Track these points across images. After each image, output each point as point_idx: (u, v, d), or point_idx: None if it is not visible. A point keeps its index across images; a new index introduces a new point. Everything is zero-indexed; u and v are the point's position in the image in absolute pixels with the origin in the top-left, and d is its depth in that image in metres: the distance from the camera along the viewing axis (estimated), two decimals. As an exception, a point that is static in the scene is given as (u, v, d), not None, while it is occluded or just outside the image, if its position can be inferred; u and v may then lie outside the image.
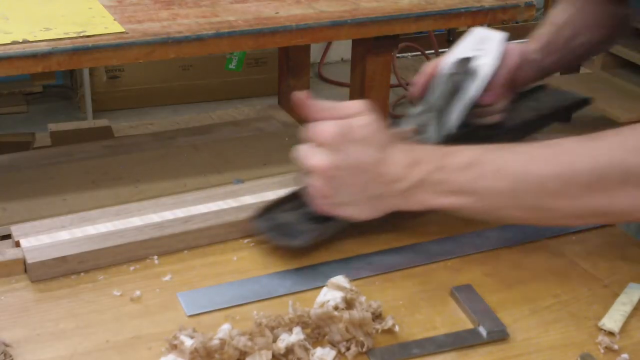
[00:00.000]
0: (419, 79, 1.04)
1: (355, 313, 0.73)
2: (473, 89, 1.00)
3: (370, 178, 0.82)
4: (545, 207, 0.82)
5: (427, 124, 0.99)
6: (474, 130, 1.03)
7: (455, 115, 0.99)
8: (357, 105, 0.84)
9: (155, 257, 0.88)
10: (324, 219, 0.87)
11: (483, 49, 1.03)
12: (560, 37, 1.12)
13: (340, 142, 0.81)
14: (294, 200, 0.91)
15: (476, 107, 1.02)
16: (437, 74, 1.02)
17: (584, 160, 0.80)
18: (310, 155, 0.83)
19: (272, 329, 0.72)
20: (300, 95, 0.84)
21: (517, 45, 1.07)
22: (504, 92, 1.05)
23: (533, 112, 1.12)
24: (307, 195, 0.86)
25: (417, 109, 1.01)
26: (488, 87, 1.02)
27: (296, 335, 0.72)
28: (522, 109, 1.11)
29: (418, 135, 0.98)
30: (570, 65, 1.17)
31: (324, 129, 0.82)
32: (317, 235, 0.88)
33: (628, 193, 0.78)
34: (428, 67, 1.04)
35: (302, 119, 0.85)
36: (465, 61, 1.02)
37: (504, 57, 1.04)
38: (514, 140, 0.91)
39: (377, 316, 0.76)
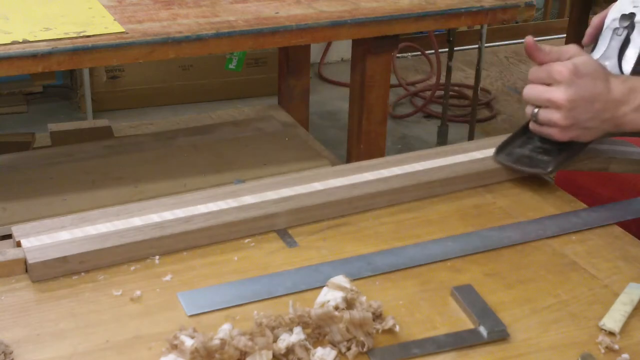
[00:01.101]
0: (589, 30, 1.17)
1: (356, 313, 0.73)
2: None
3: (602, 105, 0.97)
4: None
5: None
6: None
7: (629, 64, 1.09)
8: (574, 48, 1.00)
9: (156, 257, 0.88)
10: (555, 149, 1.02)
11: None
12: None
13: (574, 79, 0.96)
14: (523, 136, 1.06)
15: None
16: (605, 27, 1.14)
17: None
18: (550, 91, 0.97)
19: (272, 329, 0.72)
20: (531, 40, 0.99)
21: None
22: None
23: None
24: (540, 128, 1.00)
25: (599, 61, 1.09)
26: None
27: (297, 335, 0.72)
28: None
29: None
30: None
31: (558, 69, 0.97)
32: (562, 160, 1.02)
33: None
34: (596, 19, 1.17)
35: (531, 60, 1.00)
36: (629, 17, 1.11)
37: None
38: None
39: (378, 316, 0.76)
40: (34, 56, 1.45)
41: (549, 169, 1.01)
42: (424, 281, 0.86)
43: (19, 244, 0.86)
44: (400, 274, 0.87)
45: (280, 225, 0.94)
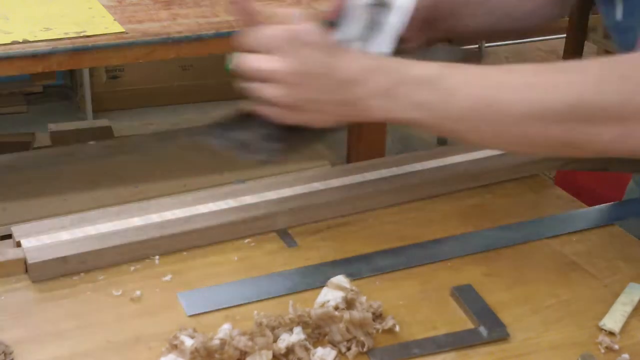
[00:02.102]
0: (333, 3, 0.93)
1: (356, 313, 0.73)
2: (396, 20, 0.91)
3: (329, 82, 0.78)
4: (505, 133, 0.77)
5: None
6: None
7: (382, 47, 0.91)
8: (296, 13, 0.82)
9: (156, 257, 0.88)
10: (284, 133, 0.83)
11: None
12: None
13: (290, 47, 0.77)
14: (246, 119, 0.85)
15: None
16: (350, 4, 0.92)
17: (556, 92, 0.74)
18: (261, 61, 0.78)
19: (272, 329, 0.72)
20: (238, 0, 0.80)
21: None
22: (419, 34, 0.96)
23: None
24: (263, 109, 0.81)
25: (334, 36, 0.89)
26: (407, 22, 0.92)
27: (297, 335, 0.72)
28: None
29: None
30: (511, 28, 1.03)
31: (273, 33, 0.78)
32: (282, 149, 0.83)
33: (599, 129, 0.74)
34: None
35: (241, 24, 0.80)
36: None
37: None
38: None
39: (378, 316, 0.76)
40: (34, 56, 1.45)
41: (272, 157, 0.84)
42: (424, 281, 0.86)
43: (18, 244, 0.86)
44: (401, 274, 0.87)
45: (280, 225, 0.94)
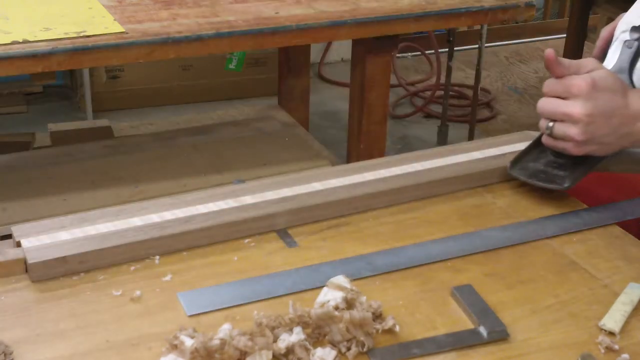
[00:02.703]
0: (599, 43, 1.17)
1: (356, 313, 0.73)
2: None
3: (620, 120, 0.96)
4: None
5: None
6: None
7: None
8: (592, 62, 0.98)
9: (156, 257, 0.88)
10: (570, 164, 1.01)
11: None
12: None
13: (591, 93, 0.94)
14: (536, 149, 1.04)
15: None
16: (614, 39, 1.12)
17: None
18: (568, 105, 0.95)
19: (272, 329, 0.72)
20: (552, 53, 0.96)
21: None
22: None
23: None
24: (555, 142, 0.98)
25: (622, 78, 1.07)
26: None
27: (296, 335, 0.72)
28: None
29: None
30: None
31: (577, 82, 0.95)
32: (578, 176, 1.00)
33: None
34: (605, 31, 1.16)
35: (550, 74, 0.98)
36: (638, 28, 1.09)
37: None
38: None
39: (378, 316, 0.76)
40: (34, 56, 1.45)
41: (566, 185, 1.00)
42: (424, 281, 0.86)
43: (18, 244, 0.86)
44: (400, 274, 0.87)
45: (280, 225, 0.94)
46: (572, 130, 0.95)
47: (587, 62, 0.98)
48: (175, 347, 0.71)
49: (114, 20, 1.61)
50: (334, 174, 1.03)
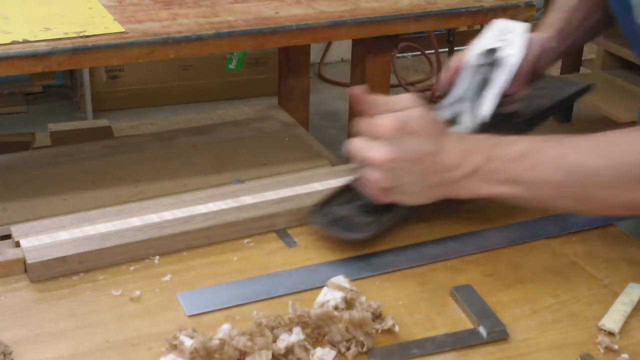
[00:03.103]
0: (445, 73, 1.07)
1: (355, 313, 0.73)
2: (502, 79, 1.02)
3: (428, 167, 0.85)
4: (595, 198, 0.84)
5: (460, 113, 1.01)
6: (494, 119, 1.03)
7: (487, 104, 1.01)
8: (408, 98, 0.87)
9: (156, 257, 0.88)
10: (380, 210, 0.90)
11: (506, 39, 1.05)
12: (574, 20, 1.13)
13: (398, 135, 0.84)
14: (347, 193, 0.94)
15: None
16: (464, 66, 1.04)
17: (633, 153, 0.82)
18: (369, 148, 0.85)
19: (272, 329, 0.72)
20: (357, 91, 0.87)
21: (536, 35, 1.09)
22: (525, 82, 1.07)
23: (545, 100, 1.14)
24: (362, 187, 0.88)
25: (448, 100, 1.03)
26: (513, 77, 1.04)
27: (296, 336, 0.72)
28: (534, 98, 1.13)
29: (453, 125, 1.00)
30: (581, 45, 1.18)
31: (382, 122, 0.84)
32: (378, 227, 0.91)
33: None
34: (453, 62, 1.06)
35: (357, 113, 0.88)
36: (491, 52, 1.04)
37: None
38: (527, 129, 1.02)
39: (377, 316, 0.76)
40: (34, 56, 1.45)
41: (362, 234, 0.90)
42: (423, 281, 0.86)
43: (18, 244, 0.86)
44: (400, 274, 0.87)
45: (280, 226, 0.94)
46: (374, 175, 0.85)
47: (403, 98, 0.87)
48: (175, 347, 0.71)
49: (114, 20, 1.61)
50: (334, 174, 1.03)
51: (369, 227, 0.90)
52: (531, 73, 1.07)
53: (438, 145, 0.85)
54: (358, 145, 0.86)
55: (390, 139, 0.84)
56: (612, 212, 0.90)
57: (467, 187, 0.85)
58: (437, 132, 0.86)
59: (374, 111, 0.86)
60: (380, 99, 0.87)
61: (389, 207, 0.90)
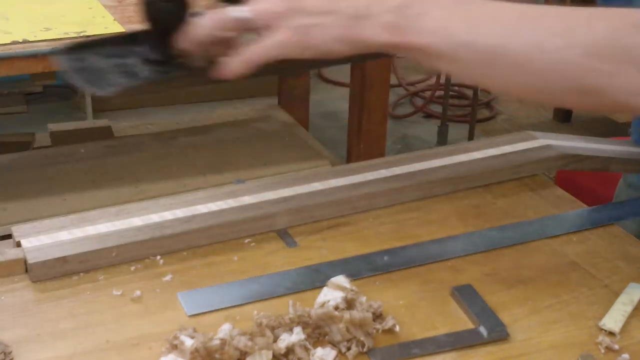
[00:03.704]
0: None
1: (356, 313, 0.73)
2: None
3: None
4: (534, 72, 0.70)
5: None
6: None
7: None
8: None
9: (156, 257, 0.88)
10: (154, 74, 0.78)
11: None
12: None
13: None
14: (118, 47, 0.80)
15: None
16: None
17: (582, 30, 0.69)
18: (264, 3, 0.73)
19: (272, 328, 0.72)
20: None
21: None
22: None
23: None
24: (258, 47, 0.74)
25: None
26: None
27: (297, 336, 0.72)
28: None
29: None
30: None
31: None
32: (128, 86, 0.77)
33: (628, 72, 0.68)
34: None
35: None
36: None
37: None
38: None
39: (378, 316, 0.76)
40: (34, 56, 1.45)
41: (108, 93, 0.75)
42: (424, 281, 0.86)
43: (18, 244, 0.86)
44: (400, 274, 0.87)
45: (280, 225, 0.94)
46: (278, 5, 0.71)
47: None
48: (175, 347, 0.71)
49: (114, 20, 1.61)
50: (334, 174, 1.03)
51: (116, 86, 0.76)
52: None
53: None
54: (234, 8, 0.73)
55: None
56: (553, 97, 0.76)
57: (389, 27, 0.71)
58: None
59: None
60: None
61: (172, 69, 0.76)
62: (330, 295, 0.77)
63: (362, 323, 0.73)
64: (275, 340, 0.72)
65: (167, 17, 0.77)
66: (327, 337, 0.74)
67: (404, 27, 0.71)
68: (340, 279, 0.78)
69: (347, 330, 0.73)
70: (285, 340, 0.72)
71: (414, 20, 0.70)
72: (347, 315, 0.73)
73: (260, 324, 0.72)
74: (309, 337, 0.73)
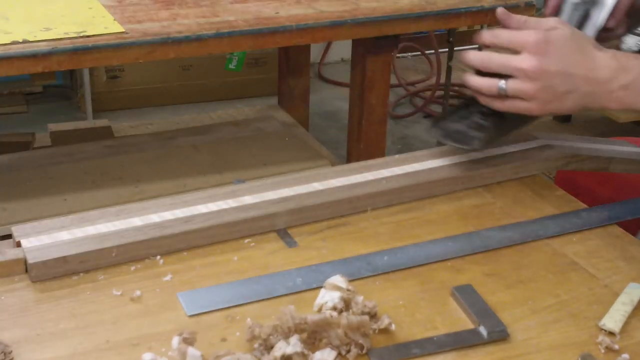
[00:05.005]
0: (550, 2, 1.09)
1: (353, 317, 0.73)
2: (601, 16, 1.05)
3: (582, 80, 0.90)
4: None
5: None
6: None
7: None
8: (553, 19, 0.93)
9: (156, 257, 0.88)
10: (493, 124, 0.99)
11: None
12: None
13: (544, 48, 0.89)
14: (462, 110, 1.03)
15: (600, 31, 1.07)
16: (564, 2, 1.07)
17: None
18: (515, 59, 0.90)
19: (267, 336, 0.71)
20: (501, 10, 0.94)
21: None
22: (624, 19, 1.08)
23: None
24: (513, 102, 0.93)
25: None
26: (612, 12, 1.05)
27: (293, 347, 0.71)
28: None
29: None
30: None
31: (527, 35, 0.90)
32: (491, 138, 0.99)
33: None
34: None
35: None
36: None
37: None
38: None
39: (373, 316, 0.76)
40: (34, 56, 1.45)
41: (476, 146, 0.99)
42: (423, 281, 0.86)
43: (18, 244, 0.86)
44: (400, 274, 0.87)
45: (280, 225, 0.94)
46: (527, 86, 0.90)
47: (549, 20, 0.93)
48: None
49: (114, 20, 1.61)
50: (334, 174, 1.03)
51: (477, 140, 0.98)
52: (630, 10, 1.07)
53: (591, 59, 0.91)
54: (496, 57, 0.91)
55: (536, 52, 0.89)
56: None
57: (619, 99, 0.91)
58: (587, 46, 0.92)
59: (520, 26, 0.92)
60: (527, 18, 0.93)
61: (499, 124, 0.98)
62: (328, 296, 0.76)
63: (359, 326, 0.73)
64: (271, 347, 0.71)
65: None
66: (324, 340, 0.74)
67: (634, 98, 0.91)
68: (337, 279, 0.78)
69: (345, 334, 0.73)
70: (282, 349, 0.71)
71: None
72: (344, 320, 0.73)
73: (254, 334, 0.71)
74: (308, 338, 0.73)
